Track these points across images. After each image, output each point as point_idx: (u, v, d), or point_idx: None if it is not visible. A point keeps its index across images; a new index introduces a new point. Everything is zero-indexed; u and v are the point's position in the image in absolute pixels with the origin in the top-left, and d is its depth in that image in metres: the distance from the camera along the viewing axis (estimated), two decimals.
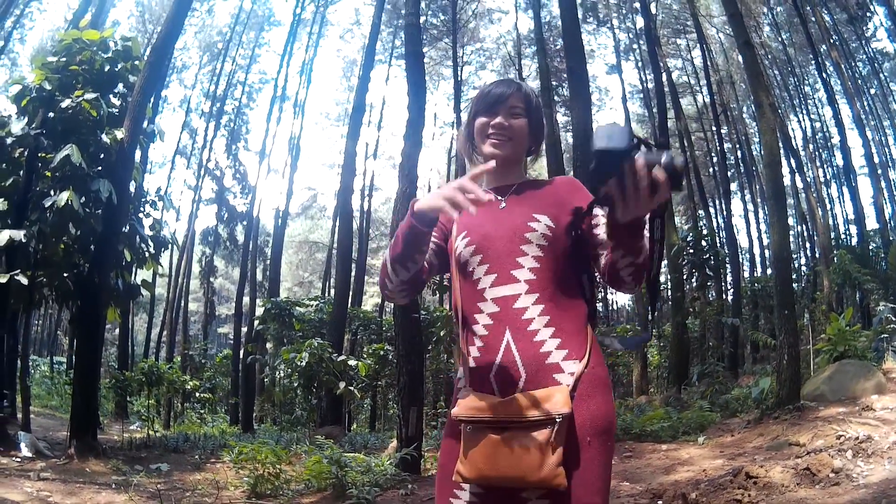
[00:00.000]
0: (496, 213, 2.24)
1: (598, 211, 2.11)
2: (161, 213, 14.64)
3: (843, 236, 36.50)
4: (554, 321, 2.05)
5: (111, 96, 12.28)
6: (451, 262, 2.25)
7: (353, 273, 27.66)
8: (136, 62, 12.66)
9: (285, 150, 35.54)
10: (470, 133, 2.39)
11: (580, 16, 29.16)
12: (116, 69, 12.35)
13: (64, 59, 11.89)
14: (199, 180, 36.11)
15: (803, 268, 34.91)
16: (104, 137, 11.50)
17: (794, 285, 21.66)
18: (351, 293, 26.40)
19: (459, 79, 36.92)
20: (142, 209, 13.96)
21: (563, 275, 2.13)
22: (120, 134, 11.28)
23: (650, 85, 33.82)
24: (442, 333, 21.29)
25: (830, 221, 37.46)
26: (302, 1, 34.87)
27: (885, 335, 12.64)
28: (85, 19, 16.28)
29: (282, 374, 19.59)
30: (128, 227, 12.55)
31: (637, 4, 31.16)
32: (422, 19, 25.89)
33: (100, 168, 11.58)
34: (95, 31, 12.92)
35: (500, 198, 2.29)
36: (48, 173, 11.19)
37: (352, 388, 16.57)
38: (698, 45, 34.14)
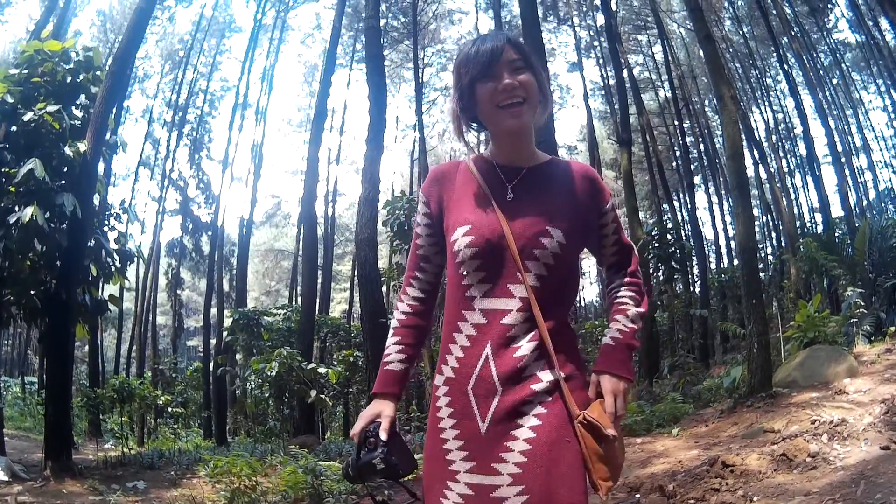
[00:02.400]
0: (503, 207, 2.06)
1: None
2: (126, 225, 14.50)
3: (808, 225, 37.08)
4: (539, 337, 1.96)
5: (73, 108, 12.09)
6: (447, 253, 2.15)
7: (319, 280, 27.65)
8: (98, 72, 12.46)
9: (248, 158, 35.45)
10: (466, 105, 2.12)
11: (540, 14, 29.27)
12: (78, 80, 12.15)
13: (26, 71, 11.69)
14: (162, 191, 35.86)
15: (770, 257, 35.30)
16: (67, 150, 11.31)
17: (762, 275, 21.92)
18: (318, 300, 26.42)
19: (421, 81, 36.96)
20: (106, 222, 13.78)
21: (560, 292, 2.06)
22: (83, 146, 11.13)
23: (612, 81, 34.10)
24: None
25: (795, 210, 38.11)
26: (263, 6, 34.82)
27: (855, 319, 12.79)
28: (46, 30, 16.14)
29: (253, 385, 19.41)
30: (93, 241, 12.39)
31: (597, 2, 31.40)
32: (382, 22, 25.97)
33: (63, 182, 11.39)
34: (57, 41, 12.71)
35: (507, 184, 2.11)
36: (12, 188, 11.01)
37: (323, 396, 16.46)
38: (659, 41, 34.40)
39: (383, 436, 2.04)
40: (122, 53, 12.55)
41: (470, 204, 2.09)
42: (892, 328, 12.14)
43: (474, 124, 2.20)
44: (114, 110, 13.03)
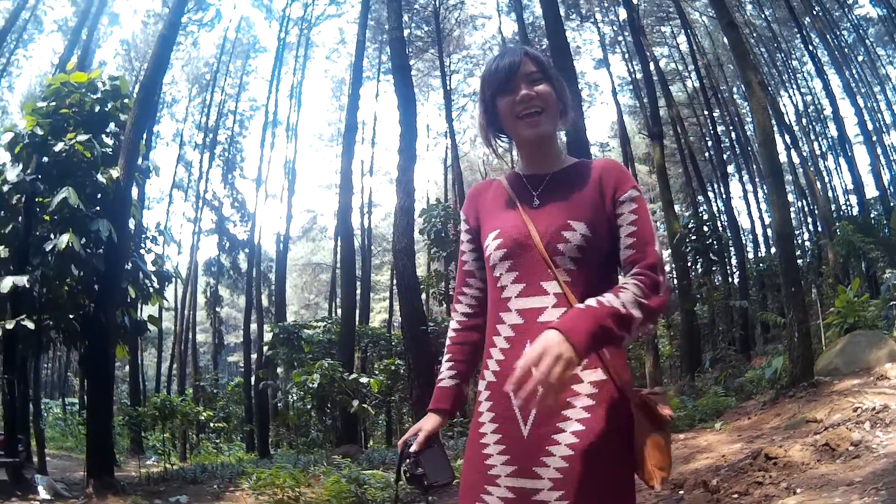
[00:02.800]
0: (529, 212, 2.10)
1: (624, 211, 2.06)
2: (162, 247, 14.70)
3: (843, 207, 36.50)
4: None
5: (104, 136, 12.30)
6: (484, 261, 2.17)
7: (358, 291, 27.72)
8: (126, 100, 12.69)
9: (281, 174, 35.60)
10: (491, 119, 2.22)
11: (563, 13, 29.19)
12: (107, 109, 12.38)
13: (53, 103, 11.93)
14: (197, 212, 36.30)
15: (807, 243, 34.87)
16: (100, 177, 11.55)
17: (799, 261, 21.69)
18: (357, 311, 26.45)
19: (448, 88, 36.97)
20: (143, 245, 14.01)
21: (595, 287, 1.95)
22: (115, 173, 11.34)
23: (639, 76, 33.92)
24: None
25: (830, 194, 37.54)
26: (286, 25, 35.14)
27: (894, 302, 12.60)
28: (71, 62, 16.35)
29: (294, 398, 19.46)
30: (130, 265, 12.58)
31: None
32: (405, 32, 25.99)
33: (98, 208, 11.62)
34: (83, 73, 12.95)
35: (533, 192, 2.14)
36: (47, 217, 11.24)
37: (365, 405, 16.54)
38: (683, 31, 34.18)
39: (414, 448, 2.11)
40: (149, 80, 12.78)
41: (500, 213, 2.16)
42: None
43: (501, 135, 2.28)
44: (144, 136, 13.20)
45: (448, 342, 2.29)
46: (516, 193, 2.17)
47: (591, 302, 1.82)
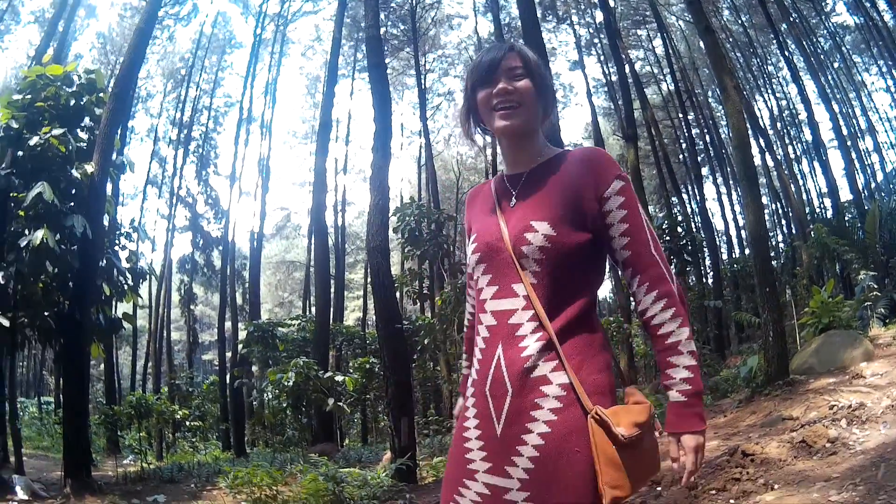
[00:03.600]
0: (506, 213, 2.12)
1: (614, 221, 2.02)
2: (136, 244, 14.48)
3: (818, 210, 36.95)
4: (546, 335, 1.92)
5: (78, 130, 12.10)
6: None
7: (332, 289, 27.64)
8: (101, 94, 12.53)
9: (255, 171, 35.41)
10: (470, 109, 2.25)
11: (539, 15, 29.30)
12: (82, 103, 12.21)
13: (29, 96, 11.75)
14: (171, 209, 36.11)
15: (781, 245, 35.23)
16: (74, 172, 11.38)
17: (774, 262, 21.84)
18: (332, 309, 26.42)
19: (423, 87, 37.06)
20: (117, 242, 13.83)
21: (565, 287, 1.98)
22: (90, 168, 11.19)
23: (614, 78, 34.08)
24: (426, 342, 21.29)
25: (804, 196, 38.12)
26: (262, 21, 34.98)
27: (869, 303, 12.77)
28: (47, 54, 16.20)
29: (270, 396, 19.49)
30: (105, 261, 12.44)
31: None
32: (382, 30, 25.91)
33: (72, 204, 11.45)
34: (59, 65, 12.78)
35: (512, 192, 2.16)
36: (21, 212, 11.07)
37: (341, 403, 16.53)
38: (659, 35, 34.43)
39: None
40: (124, 74, 12.62)
41: (482, 217, 2.21)
42: None
43: (483, 129, 2.30)
44: (119, 131, 13.06)
45: (465, 334, 2.46)
46: (498, 195, 2.20)
47: (683, 385, 1.95)
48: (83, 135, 12.16)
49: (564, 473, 1.83)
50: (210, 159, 37.74)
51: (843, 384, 8.94)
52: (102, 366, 29.30)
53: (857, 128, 37.85)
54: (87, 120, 12.34)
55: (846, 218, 20.11)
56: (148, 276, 15.66)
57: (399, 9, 35.91)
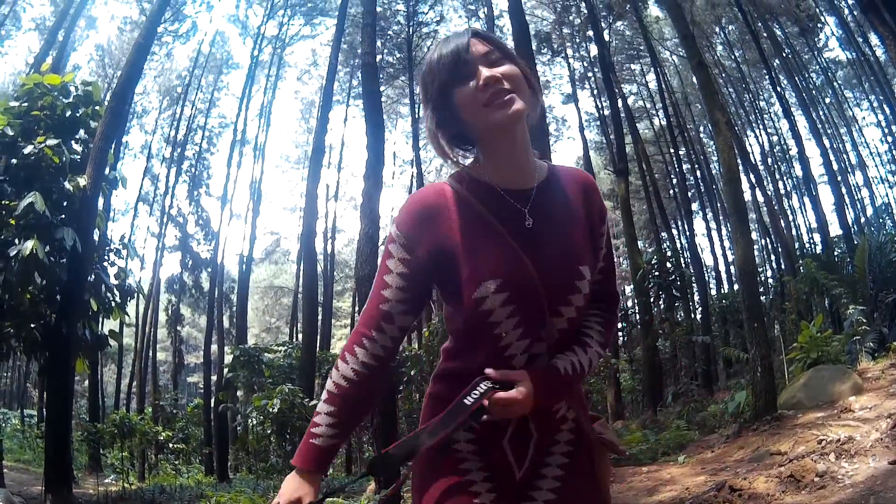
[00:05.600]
0: (526, 238, 1.79)
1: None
2: (126, 261, 14.38)
3: (807, 245, 37.17)
4: None
5: (73, 142, 12.12)
6: (458, 307, 1.82)
7: (319, 316, 27.66)
8: (97, 107, 12.51)
9: (247, 194, 35.53)
10: (444, 119, 1.86)
11: (535, 47, 29.57)
12: (78, 114, 12.21)
13: (26, 103, 11.73)
14: (162, 227, 35.93)
15: (770, 280, 35.32)
16: (67, 185, 11.33)
17: (762, 297, 21.90)
18: (319, 337, 26.43)
19: (417, 116, 37.11)
20: (106, 258, 13.76)
21: (580, 325, 1.91)
22: (83, 181, 11.16)
23: (607, 112, 34.19)
24: (413, 373, 21.14)
25: (794, 232, 38.32)
26: (259, 43, 35.16)
27: (858, 337, 12.76)
28: (46, 63, 16.24)
29: (254, 422, 19.41)
30: (93, 276, 12.37)
31: (590, 33, 31.58)
32: (378, 58, 26.04)
33: (63, 216, 11.41)
34: (56, 75, 12.75)
35: (522, 209, 1.83)
36: (12, 221, 11.02)
37: None
38: (652, 69, 34.65)
39: None
40: (121, 89, 12.66)
41: (482, 246, 1.78)
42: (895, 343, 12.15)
43: (465, 145, 1.94)
44: (113, 145, 13.02)
45: (333, 389, 1.83)
46: (499, 215, 1.81)
47: (570, 366, 1.82)
48: (77, 147, 12.17)
49: (587, 495, 1.89)
50: (202, 179, 37.68)
51: (831, 418, 8.95)
52: (87, 382, 29.24)
53: (847, 163, 38.28)
54: (81, 132, 12.33)
55: (835, 253, 20.27)
56: (136, 294, 15.57)
57: (396, 37, 36.09)
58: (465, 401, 1.70)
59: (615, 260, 2.00)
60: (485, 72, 1.75)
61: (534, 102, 1.84)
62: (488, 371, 1.73)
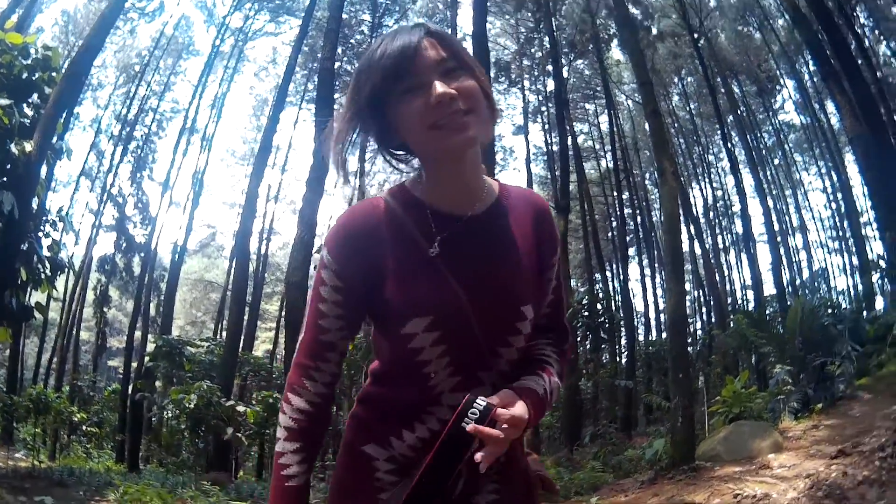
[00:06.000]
0: (453, 274, 1.63)
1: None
2: (61, 234, 14.10)
3: (740, 301, 38.02)
4: None
5: (25, 105, 11.82)
6: (384, 330, 1.72)
7: (246, 316, 27.43)
8: (55, 73, 12.21)
9: (189, 184, 34.91)
10: (370, 129, 1.69)
11: (493, 74, 29.74)
12: (34, 78, 11.90)
13: None
14: (101, 205, 35.18)
15: (699, 332, 35.91)
16: (13, 148, 11.02)
17: (690, 348, 22.23)
18: (243, 337, 26.11)
19: None
20: (42, 228, 13.39)
21: (530, 359, 1.79)
22: (29, 146, 10.87)
23: (555, 147, 34.48)
24: None
25: (728, 287, 39.25)
26: (223, 33, 34.91)
27: (782, 396, 12.99)
28: (11, 20, 15.88)
29: (170, 415, 19.10)
30: (26, 245, 12.06)
31: (550, 67, 31.85)
32: (337, 65, 25.97)
33: (4, 179, 11.14)
34: (19, 34, 12.48)
35: (437, 235, 1.66)
36: None
37: (239, 434, 16.34)
38: (606, 111, 35.14)
39: None
40: (80, 58, 12.42)
41: (415, 276, 1.64)
42: (820, 405, 12.37)
43: (393, 153, 1.77)
44: (64, 114, 12.76)
45: (293, 425, 1.68)
46: (425, 236, 1.66)
47: (542, 389, 1.70)
48: (28, 111, 11.89)
49: None
50: (147, 162, 37.02)
51: (749, 473, 9.07)
52: (8, 352, 28.43)
53: (788, 224, 39.48)
54: (35, 96, 12.05)
55: (767, 311, 20.64)
56: (66, 269, 15.22)
57: (357, 46, 35.95)
58: (464, 425, 1.49)
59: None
60: (438, 87, 1.50)
61: (490, 124, 1.65)
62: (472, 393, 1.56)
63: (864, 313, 18.20)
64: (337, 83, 30.75)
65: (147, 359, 24.34)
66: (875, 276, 20.74)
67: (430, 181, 1.68)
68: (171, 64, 38.20)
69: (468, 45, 26.29)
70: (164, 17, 35.91)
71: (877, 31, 30.40)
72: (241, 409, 16.50)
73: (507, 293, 1.66)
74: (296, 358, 1.73)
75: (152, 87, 37.52)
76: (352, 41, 35.56)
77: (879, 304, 22.67)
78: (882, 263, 18.04)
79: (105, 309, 35.60)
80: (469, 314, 1.61)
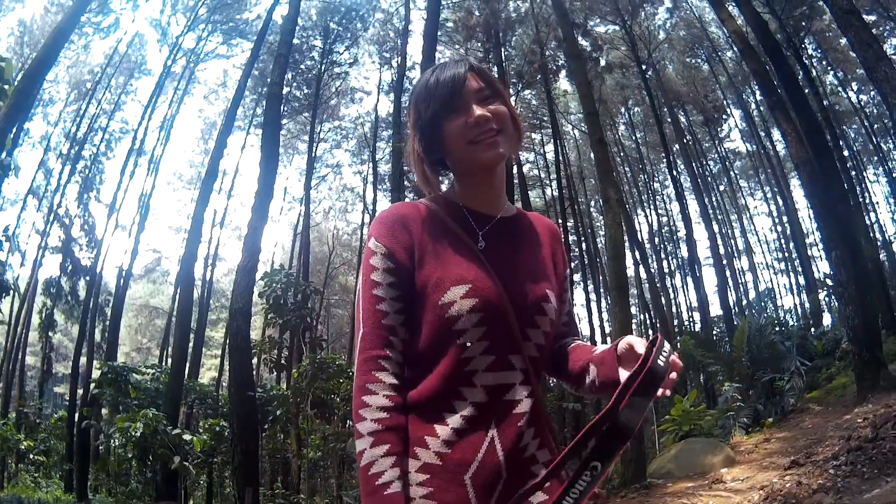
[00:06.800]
0: (489, 256, 1.82)
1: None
2: (7, 255, 13.83)
3: (686, 323, 38.51)
4: (536, 412, 1.75)
5: None
6: (423, 310, 1.77)
7: (191, 343, 27.10)
8: (6, 86, 12.06)
9: (135, 207, 34.50)
10: (430, 146, 1.88)
11: None
12: None
13: None
14: (47, 226, 34.26)
15: None
16: None
17: None
18: (188, 364, 25.88)
19: (314, 154, 37.07)
20: None
21: (545, 362, 1.89)
22: None
23: None
24: (279, 413, 20.76)
25: (674, 309, 39.66)
26: (175, 53, 34.51)
27: (732, 412, 13.21)
28: None
29: (117, 443, 18.83)
30: None
31: None
32: (285, 90, 25.98)
33: None
34: None
35: (478, 231, 1.86)
36: None
37: (187, 463, 16.15)
38: (553, 141, 35.41)
39: None
40: (33, 72, 12.31)
41: (452, 256, 1.79)
42: (770, 419, 12.60)
43: (442, 170, 1.98)
44: (14, 129, 12.59)
45: (378, 427, 1.66)
46: (464, 229, 1.86)
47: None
48: None
49: None
50: (94, 183, 36.21)
51: (702, 488, 9.19)
52: None
53: (734, 247, 40.35)
54: None
55: (714, 332, 20.96)
56: (11, 292, 14.95)
57: (307, 72, 35.97)
58: (659, 362, 1.55)
59: None
60: (476, 110, 1.81)
61: (517, 142, 1.93)
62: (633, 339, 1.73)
63: (812, 330, 18.69)
64: (285, 109, 30.76)
65: (93, 385, 23.83)
66: (822, 294, 21.23)
67: (463, 189, 1.93)
68: (122, 83, 37.54)
69: (417, 74, 26.66)
70: (119, 34, 35.42)
71: (824, 62, 31.40)
72: (187, 437, 16.29)
73: (535, 280, 1.84)
74: (359, 357, 1.76)
75: (103, 105, 36.76)
76: (302, 67, 35.56)
77: (827, 320, 23.37)
78: (829, 281, 18.50)
79: (51, 333, 34.89)
80: (503, 294, 1.74)
